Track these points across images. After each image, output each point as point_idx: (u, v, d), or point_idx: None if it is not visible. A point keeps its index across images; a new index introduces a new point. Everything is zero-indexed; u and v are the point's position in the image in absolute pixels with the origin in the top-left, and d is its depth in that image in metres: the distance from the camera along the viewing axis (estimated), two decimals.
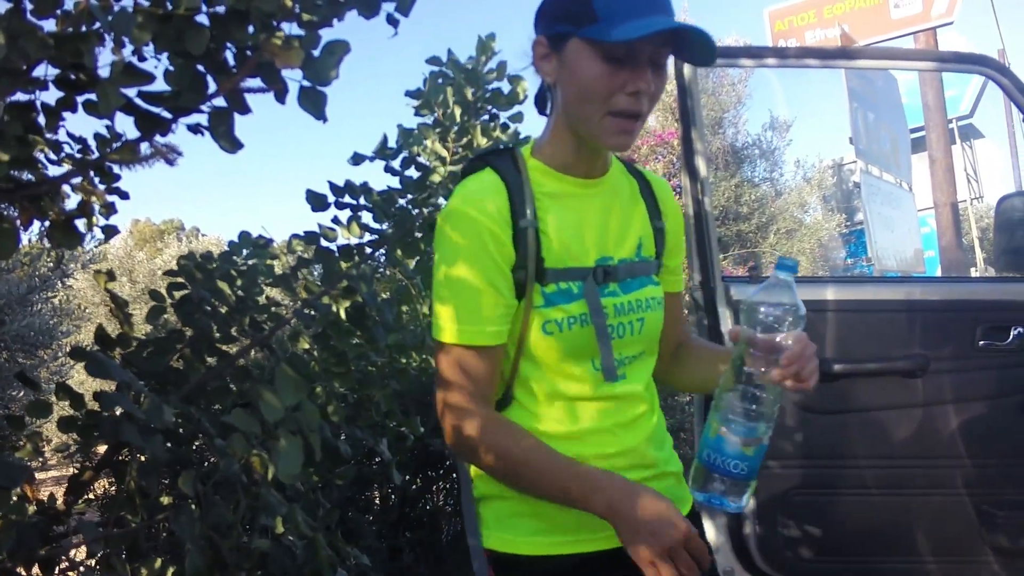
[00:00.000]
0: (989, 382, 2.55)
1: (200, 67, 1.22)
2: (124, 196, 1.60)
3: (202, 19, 1.18)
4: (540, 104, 1.48)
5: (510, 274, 1.33)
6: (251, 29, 1.19)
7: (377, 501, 4.62)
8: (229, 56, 1.25)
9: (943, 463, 2.56)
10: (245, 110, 1.27)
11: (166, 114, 1.26)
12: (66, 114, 1.28)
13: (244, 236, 2.19)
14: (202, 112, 1.27)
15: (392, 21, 1.41)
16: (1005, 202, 2.92)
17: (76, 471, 1.95)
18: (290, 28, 1.21)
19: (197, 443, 2.50)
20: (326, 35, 1.26)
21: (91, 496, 4.21)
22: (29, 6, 1.19)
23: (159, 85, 1.21)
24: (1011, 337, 2.53)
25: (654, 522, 1.16)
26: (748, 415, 1.26)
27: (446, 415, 1.33)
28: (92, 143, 1.38)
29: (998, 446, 2.54)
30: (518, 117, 2.20)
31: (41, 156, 1.35)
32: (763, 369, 1.24)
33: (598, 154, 1.42)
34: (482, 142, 2.14)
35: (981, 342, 2.55)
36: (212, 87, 1.27)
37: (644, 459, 1.44)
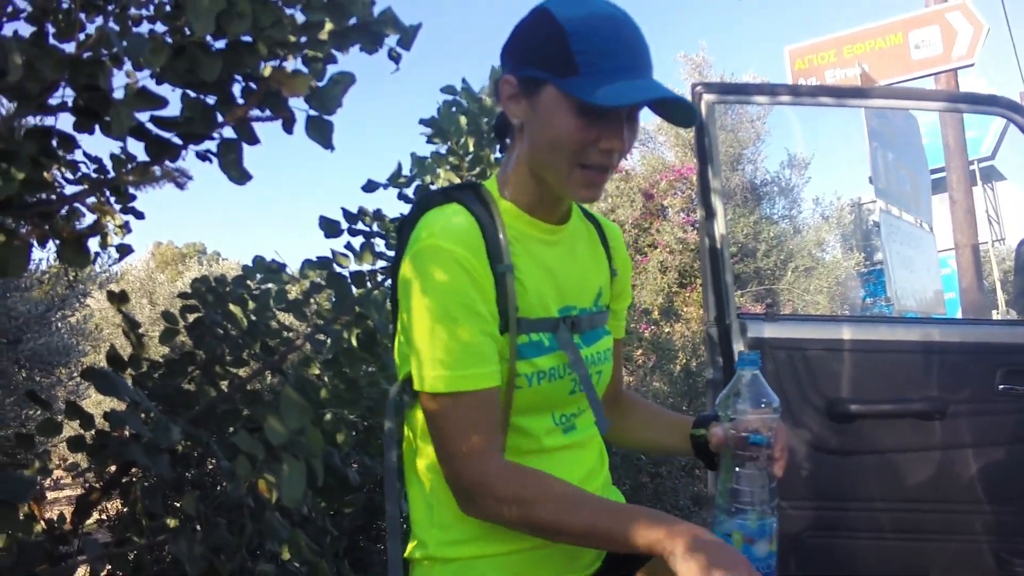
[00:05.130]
0: (1008, 427, 2.51)
1: (208, 98, 1.24)
2: (139, 216, 1.62)
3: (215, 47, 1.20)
4: (500, 135, 1.40)
5: (496, 311, 1.22)
6: (261, 61, 1.21)
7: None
8: (236, 89, 1.26)
9: (960, 508, 2.52)
10: (253, 141, 1.28)
11: (176, 140, 1.28)
12: (84, 135, 1.30)
13: (258, 261, 2.20)
14: (213, 139, 1.28)
15: (394, 57, 1.41)
16: None
17: (84, 491, 1.95)
18: (295, 64, 1.22)
19: (209, 466, 2.50)
20: (332, 69, 1.28)
21: (103, 517, 4.21)
22: (52, 30, 1.21)
23: (173, 109, 1.23)
24: None
25: (724, 555, 1.05)
26: (764, 514, 1.25)
27: (462, 474, 1.19)
28: (108, 163, 1.39)
29: (1015, 492, 2.49)
30: None
31: (58, 175, 1.37)
32: (757, 461, 1.25)
33: (562, 200, 1.34)
34: (495, 172, 2.16)
35: (1001, 386, 2.51)
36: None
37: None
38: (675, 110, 1.24)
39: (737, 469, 1.26)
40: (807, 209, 11.77)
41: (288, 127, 1.26)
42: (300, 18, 1.22)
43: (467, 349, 1.18)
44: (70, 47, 1.15)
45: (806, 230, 11.28)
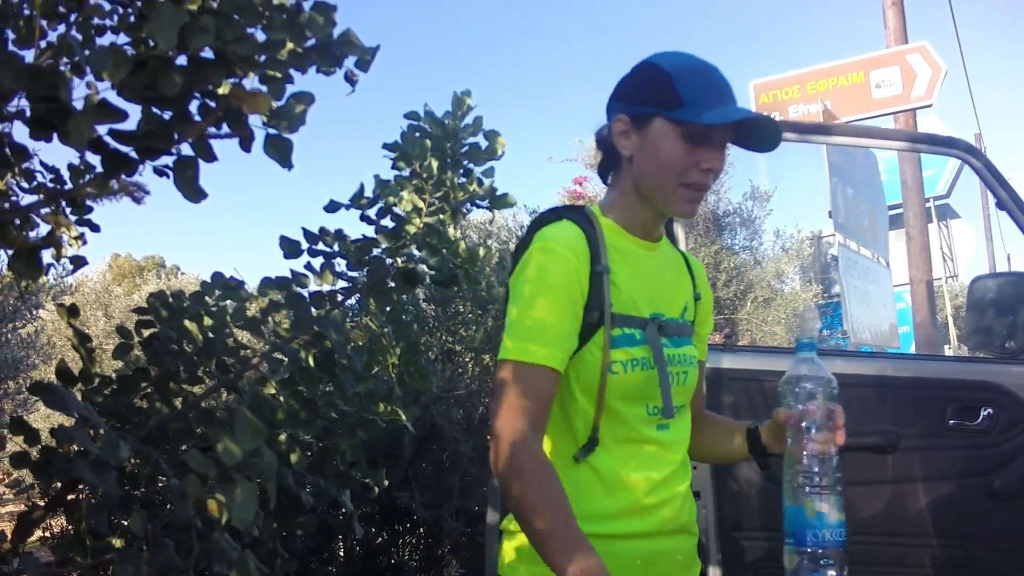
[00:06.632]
0: (958, 462, 2.55)
1: (166, 113, 1.22)
2: (95, 229, 1.58)
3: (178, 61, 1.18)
4: (603, 173, 1.64)
5: (581, 314, 1.43)
6: (225, 75, 1.20)
7: (341, 553, 4.54)
8: (194, 105, 1.25)
9: (910, 541, 2.55)
10: (211, 158, 1.27)
11: (134, 155, 1.25)
12: (40, 143, 1.27)
13: (216, 277, 2.17)
14: (171, 155, 1.26)
15: (350, 79, 1.42)
16: (978, 283, 2.96)
17: (27, 508, 1.90)
18: (254, 82, 1.22)
19: (159, 485, 2.45)
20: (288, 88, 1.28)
21: (47, 535, 4.10)
22: (11, 36, 1.19)
23: (130, 122, 1.21)
24: (980, 418, 2.54)
25: None
26: (838, 484, 1.38)
27: (502, 433, 1.36)
28: (65, 173, 1.36)
29: (964, 527, 2.53)
30: (490, 172, 2.22)
31: (13, 184, 1.33)
32: (822, 439, 1.38)
33: (658, 223, 1.58)
34: (459, 195, 2.15)
35: (951, 421, 2.55)
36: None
37: (680, 515, 1.53)
38: (759, 137, 1.50)
39: (805, 444, 1.38)
40: (768, 241, 11.85)
41: (247, 145, 1.25)
42: (260, 37, 1.21)
43: (540, 328, 1.40)
44: (29, 54, 1.13)
45: (766, 261, 11.38)
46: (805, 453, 1.38)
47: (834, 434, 1.40)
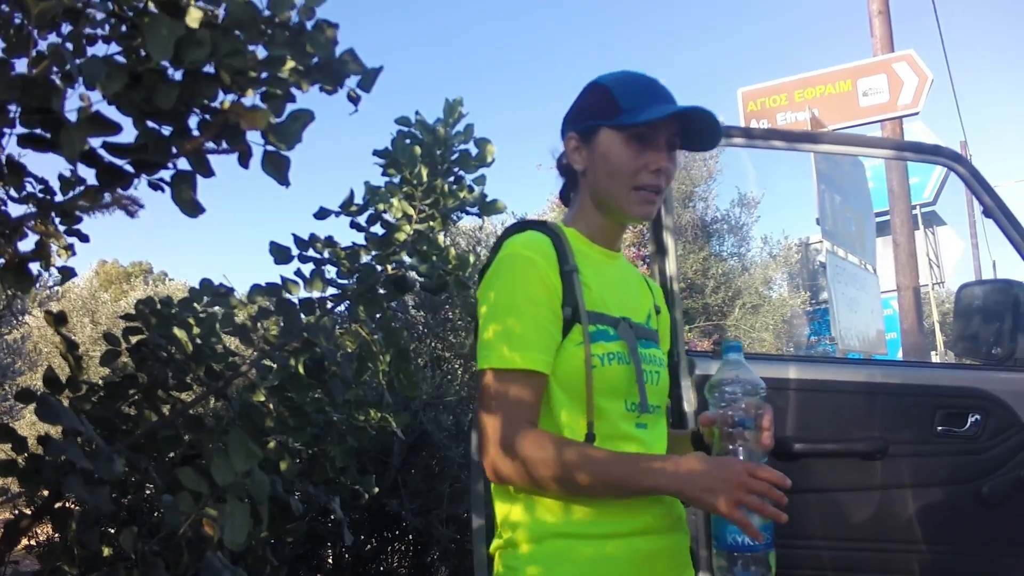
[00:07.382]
0: (946, 468, 2.55)
1: (163, 127, 1.22)
2: (84, 239, 1.57)
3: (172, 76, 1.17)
4: (565, 198, 1.71)
5: (560, 311, 1.46)
6: (220, 90, 1.19)
7: (330, 560, 4.53)
8: (193, 120, 1.25)
9: (899, 548, 2.55)
10: (208, 173, 1.27)
11: (129, 168, 1.25)
12: (29, 151, 1.26)
13: (205, 284, 2.17)
14: (167, 168, 1.26)
15: (352, 98, 1.42)
16: (965, 290, 2.97)
17: (14, 517, 1.89)
18: (254, 99, 1.22)
19: (147, 493, 2.44)
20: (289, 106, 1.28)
21: (33, 543, 4.06)
22: (2, 45, 1.18)
23: (126, 135, 1.20)
24: (968, 424, 2.55)
25: (720, 471, 1.30)
26: None
27: (497, 442, 1.40)
28: (54, 184, 1.35)
29: (953, 533, 2.54)
30: (481, 180, 2.23)
31: (2, 193, 1.32)
32: (745, 440, 1.36)
33: (618, 233, 1.65)
34: (449, 202, 2.16)
35: (939, 428, 2.56)
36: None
37: (671, 510, 1.54)
38: (706, 136, 1.56)
39: (729, 447, 1.37)
40: (756, 247, 11.91)
41: (244, 161, 1.25)
42: (262, 53, 1.21)
43: (522, 335, 1.42)
44: (21, 63, 1.13)
45: (754, 268, 11.43)
46: (728, 455, 1.37)
47: (760, 435, 1.38)
